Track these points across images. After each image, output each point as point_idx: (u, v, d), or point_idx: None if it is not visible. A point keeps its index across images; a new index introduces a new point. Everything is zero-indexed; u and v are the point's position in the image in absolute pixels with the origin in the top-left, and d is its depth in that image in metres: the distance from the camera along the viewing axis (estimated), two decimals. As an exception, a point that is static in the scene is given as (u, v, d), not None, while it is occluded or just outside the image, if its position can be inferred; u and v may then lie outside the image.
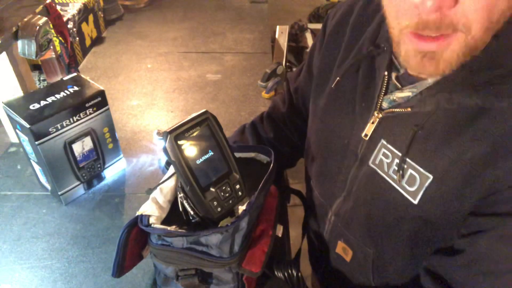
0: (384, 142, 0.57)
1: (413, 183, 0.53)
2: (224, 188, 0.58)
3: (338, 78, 0.63)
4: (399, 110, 0.54)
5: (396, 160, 0.55)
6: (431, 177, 0.51)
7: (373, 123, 0.58)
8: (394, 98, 0.56)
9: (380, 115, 0.57)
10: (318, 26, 3.00)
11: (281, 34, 1.66)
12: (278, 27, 1.66)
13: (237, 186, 0.60)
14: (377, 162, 0.58)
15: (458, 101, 0.48)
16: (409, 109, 0.53)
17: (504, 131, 0.46)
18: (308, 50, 2.65)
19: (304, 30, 2.69)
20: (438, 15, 0.41)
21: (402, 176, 0.54)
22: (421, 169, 0.52)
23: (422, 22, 0.43)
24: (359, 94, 0.61)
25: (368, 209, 0.61)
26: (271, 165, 0.64)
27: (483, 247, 0.48)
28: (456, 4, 0.41)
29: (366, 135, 0.59)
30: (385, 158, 0.57)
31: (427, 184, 0.52)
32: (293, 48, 2.60)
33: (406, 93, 0.55)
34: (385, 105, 0.57)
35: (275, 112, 0.87)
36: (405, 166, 0.54)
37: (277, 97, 0.91)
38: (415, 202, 0.53)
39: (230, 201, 0.59)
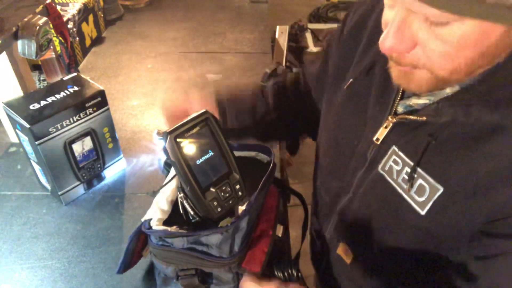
0: (396, 149, 0.55)
1: (422, 193, 0.52)
2: (224, 188, 0.58)
3: (351, 79, 0.63)
4: (413, 117, 0.53)
5: (407, 169, 0.53)
6: (441, 189, 0.50)
7: (386, 127, 0.56)
8: (411, 103, 0.55)
9: (394, 120, 0.55)
10: (318, 26, 3.00)
11: (281, 34, 1.66)
12: (278, 27, 1.66)
13: (237, 186, 0.60)
14: (386, 168, 0.57)
15: (476, 116, 0.47)
16: (424, 118, 0.51)
17: None
18: (308, 50, 2.66)
19: (304, 30, 2.70)
20: (396, 54, 0.44)
21: (411, 185, 0.53)
22: (432, 181, 0.51)
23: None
24: (373, 97, 0.60)
25: (372, 214, 0.60)
26: (271, 164, 0.64)
27: (500, 271, 0.47)
28: (414, 47, 0.43)
29: (377, 139, 0.58)
30: (395, 165, 0.55)
31: (436, 196, 0.50)
32: (293, 48, 2.61)
33: (424, 100, 0.53)
34: (400, 109, 0.56)
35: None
36: (415, 176, 0.52)
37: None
38: (423, 213, 0.52)
39: (230, 201, 0.59)
